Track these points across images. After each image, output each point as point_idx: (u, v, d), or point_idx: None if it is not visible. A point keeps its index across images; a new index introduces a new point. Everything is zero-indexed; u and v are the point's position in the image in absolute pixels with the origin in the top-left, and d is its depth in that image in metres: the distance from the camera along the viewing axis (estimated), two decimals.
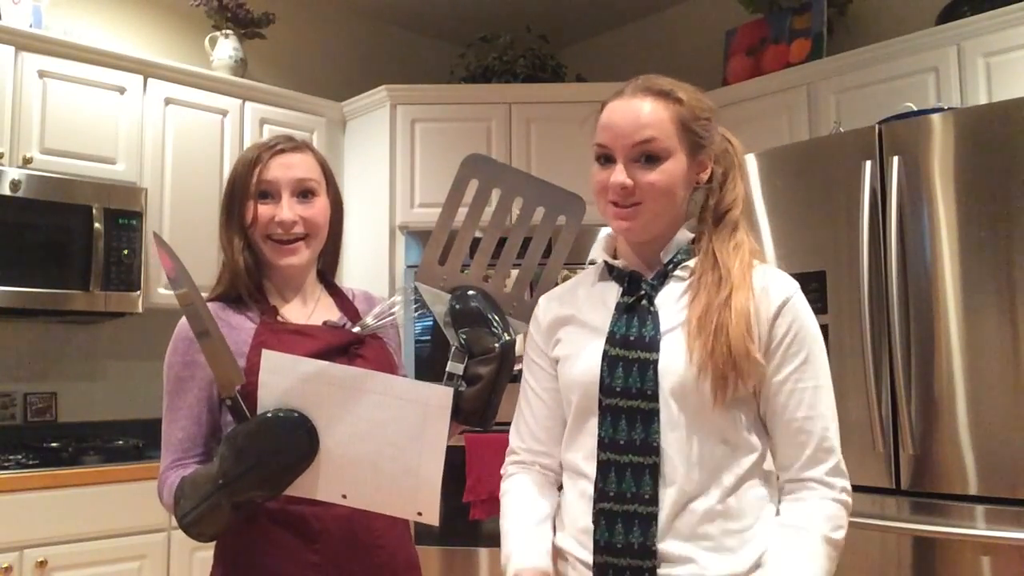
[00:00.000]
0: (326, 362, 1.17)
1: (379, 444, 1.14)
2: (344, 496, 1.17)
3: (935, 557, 2.05)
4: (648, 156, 1.19)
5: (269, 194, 1.38)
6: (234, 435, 1.18)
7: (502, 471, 1.35)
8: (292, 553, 1.30)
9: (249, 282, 1.40)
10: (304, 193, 1.40)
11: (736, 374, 1.13)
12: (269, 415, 1.16)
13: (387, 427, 1.14)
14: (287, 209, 1.37)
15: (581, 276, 1.35)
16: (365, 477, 1.16)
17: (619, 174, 1.19)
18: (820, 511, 1.15)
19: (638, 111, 1.20)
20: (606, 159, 1.22)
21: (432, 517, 1.16)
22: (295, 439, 1.15)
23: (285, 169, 1.39)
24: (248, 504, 1.21)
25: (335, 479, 1.16)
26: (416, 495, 1.15)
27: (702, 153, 1.24)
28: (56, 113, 2.85)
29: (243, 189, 1.39)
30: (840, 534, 1.15)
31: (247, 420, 1.18)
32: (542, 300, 1.35)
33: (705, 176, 1.26)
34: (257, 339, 1.34)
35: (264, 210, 1.38)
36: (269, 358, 1.16)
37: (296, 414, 1.15)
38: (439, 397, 1.14)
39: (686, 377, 1.15)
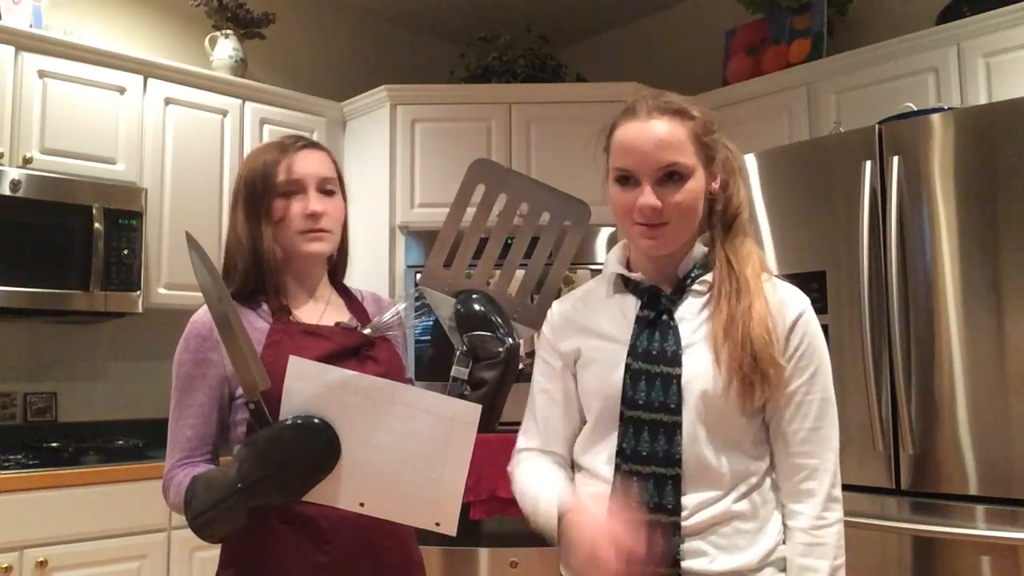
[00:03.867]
0: (354, 372, 1.16)
1: (402, 455, 1.15)
2: (362, 504, 1.17)
3: (935, 557, 2.05)
4: (672, 176, 1.21)
5: (296, 191, 1.39)
6: (256, 440, 1.18)
7: (508, 468, 1.37)
8: (302, 553, 1.30)
9: (275, 275, 1.41)
10: (326, 190, 1.42)
11: (763, 380, 1.18)
12: (291, 421, 1.15)
13: (412, 439, 1.14)
14: (315, 201, 1.39)
15: (592, 285, 1.37)
16: (386, 486, 1.16)
17: (648, 197, 1.20)
18: (823, 545, 1.20)
19: (659, 133, 1.21)
20: (627, 180, 1.23)
21: (451, 527, 1.17)
22: (317, 446, 1.14)
23: (309, 165, 1.41)
24: (264, 508, 1.21)
25: (355, 487, 1.16)
26: (436, 505, 1.16)
27: (713, 164, 1.27)
28: (56, 113, 2.85)
29: (269, 186, 1.39)
30: (841, 556, 1.21)
31: (269, 425, 1.18)
32: (555, 305, 1.38)
33: (716, 186, 1.28)
34: (270, 339, 1.35)
35: (294, 206, 1.39)
36: (296, 364, 1.15)
37: (319, 421, 1.15)
38: (467, 413, 1.15)
39: (713, 389, 1.19)
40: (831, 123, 2.87)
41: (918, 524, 2.07)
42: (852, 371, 2.21)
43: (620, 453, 1.22)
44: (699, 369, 1.20)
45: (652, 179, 1.21)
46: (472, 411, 1.15)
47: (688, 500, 1.19)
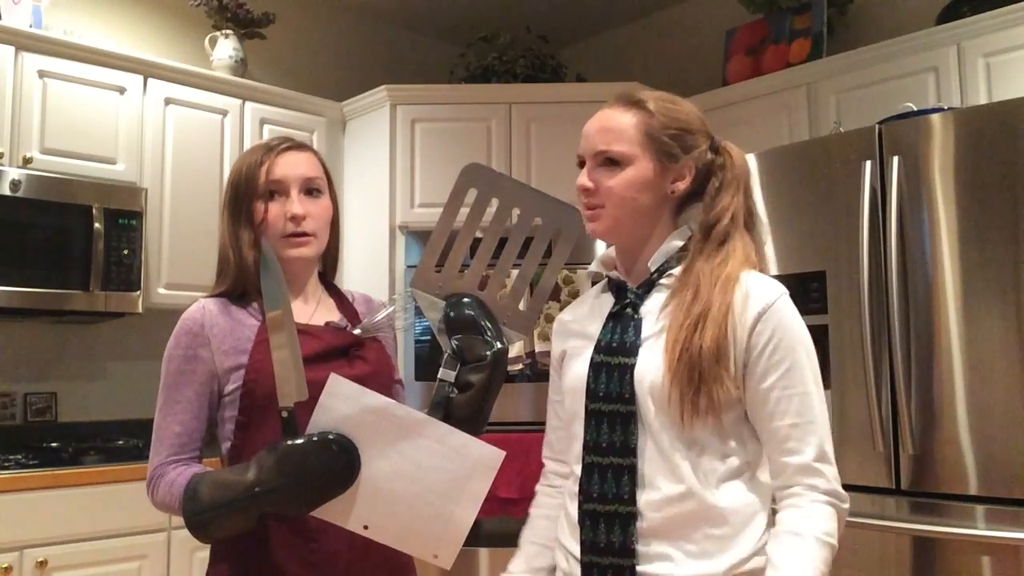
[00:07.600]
0: (391, 400, 1.18)
1: (420, 488, 1.16)
2: (366, 527, 1.18)
3: (935, 557, 2.05)
4: (608, 161, 1.25)
5: (278, 193, 1.39)
6: (281, 448, 1.17)
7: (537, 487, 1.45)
8: (292, 551, 1.30)
9: (257, 279, 1.39)
10: (310, 191, 1.42)
11: (707, 396, 1.15)
12: (320, 437, 1.16)
13: (432, 473, 1.16)
14: (297, 203, 1.38)
15: (591, 290, 1.41)
16: (396, 514, 1.17)
17: (581, 177, 1.27)
18: (813, 515, 1.15)
19: (604, 119, 1.27)
20: (582, 165, 1.29)
21: (448, 562, 1.18)
22: (340, 465, 1.15)
23: (292, 167, 1.40)
24: (273, 515, 1.21)
25: (365, 511, 1.18)
26: (440, 539, 1.18)
27: (676, 162, 1.25)
28: (56, 113, 2.85)
29: (250, 189, 1.39)
30: (834, 537, 1.14)
31: (295, 435, 1.18)
32: (559, 315, 1.42)
33: (682, 186, 1.26)
34: (260, 336, 1.34)
35: (275, 208, 1.38)
36: (334, 383, 1.17)
37: (347, 441, 1.16)
38: (490, 457, 1.17)
39: (662, 384, 1.18)
40: (831, 123, 2.87)
41: (918, 524, 2.07)
42: (852, 371, 2.21)
43: (585, 446, 1.23)
44: (651, 362, 1.19)
45: (592, 162, 1.26)
46: (495, 457, 1.16)
47: (648, 495, 1.17)
